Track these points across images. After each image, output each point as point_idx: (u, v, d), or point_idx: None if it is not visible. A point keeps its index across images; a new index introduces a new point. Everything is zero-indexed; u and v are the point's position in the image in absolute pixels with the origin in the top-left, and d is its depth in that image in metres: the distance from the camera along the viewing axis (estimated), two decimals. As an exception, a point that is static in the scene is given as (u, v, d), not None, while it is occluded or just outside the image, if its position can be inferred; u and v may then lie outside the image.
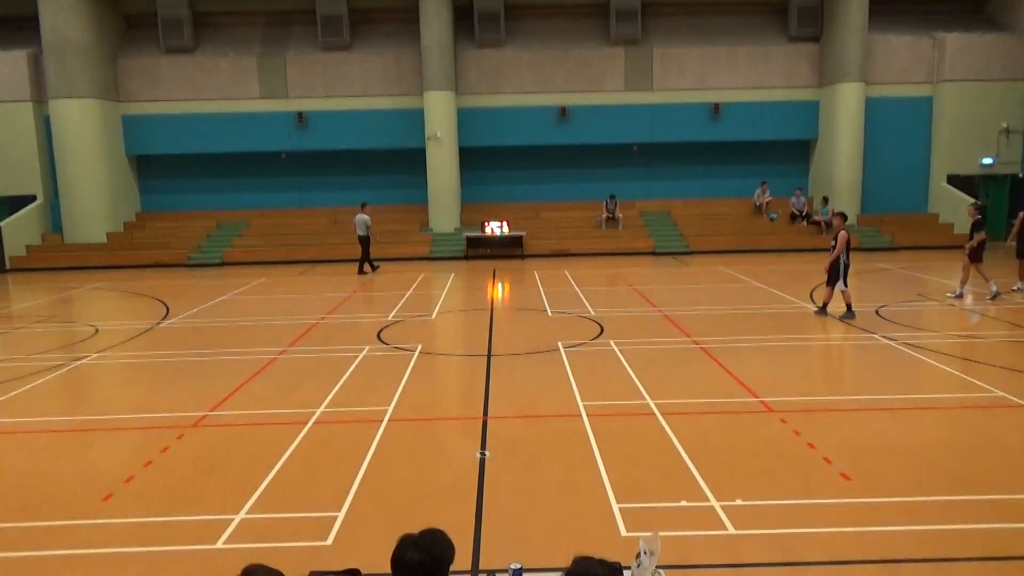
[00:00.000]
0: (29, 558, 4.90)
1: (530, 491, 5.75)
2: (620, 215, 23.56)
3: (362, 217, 19.18)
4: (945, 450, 6.48)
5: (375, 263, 19.67)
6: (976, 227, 13.71)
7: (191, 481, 6.09)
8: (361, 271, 19.34)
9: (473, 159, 24.29)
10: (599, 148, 24.48)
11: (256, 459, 6.48)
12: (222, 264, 22.18)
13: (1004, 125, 22.90)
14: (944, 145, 23.48)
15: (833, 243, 12.12)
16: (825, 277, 12.38)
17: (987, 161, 23.19)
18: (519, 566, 3.09)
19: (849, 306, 12.00)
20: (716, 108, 23.69)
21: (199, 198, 24.97)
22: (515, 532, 5.09)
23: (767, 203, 24.01)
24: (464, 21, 23.63)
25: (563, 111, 23.64)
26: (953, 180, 23.50)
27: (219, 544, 4.99)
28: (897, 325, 11.52)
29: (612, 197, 23.73)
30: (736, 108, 23.78)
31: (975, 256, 13.67)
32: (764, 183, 24.21)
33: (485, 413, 7.68)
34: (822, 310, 12.30)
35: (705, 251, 22.19)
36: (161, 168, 24.70)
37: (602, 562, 2.47)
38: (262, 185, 24.99)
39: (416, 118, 23.17)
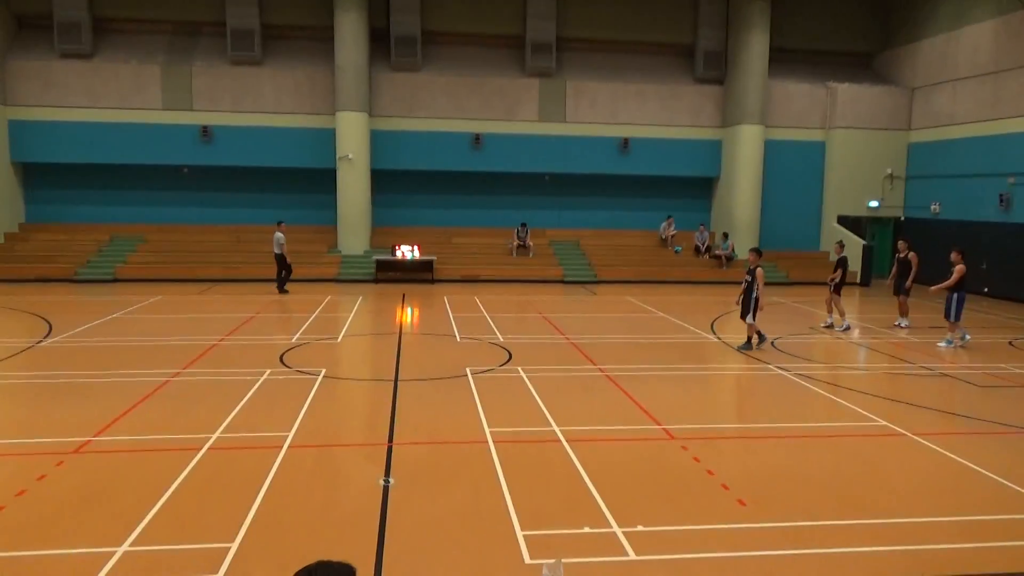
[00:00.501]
0: None
1: (435, 519, 5.65)
2: (531, 243, 23.84)
3: (278, 235, 18.85)
4: (833, 477, 6.80)
5: (285, 287, 19.10)
6: (840, 263, 14.97)
7: (70, 512, 5.67)
8: (282, 289, 18.83)
9: (385, 181, 24.09)
10: (512, 176, 24.77)
11: (143, 487, 6.11)
12: (114, 280, 21.02)
13: (888, 171, 24.63)
14: (835, 187, 25.00)
15: (748, 278, 12.48)
16: (738, 310, 12.78)
17: (873, 204, 24.82)
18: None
19: (749, 339, 12.49)
20: (625, 142, 24.43)
21: (91, 210, 23.64)
22: (419, 561, 4.98)
23: (672, 236, 24.85)
24: (380, 43, 23.55)
25: (477, 138, 23.82)
26: (843, 220, 25.00)
27: (97, 580, 4.65)
28: (790, 356, 12.08)
29: (523, 225, 24.00)
30: (644, 143, 24.59)
31: (837, 289, 14.81)
32: (670, 217, 25.08)
33: (390, 439, 7.53)
34: (747, 345, 12.55)
35: (613, 280, 22.70)
36: (50, 176, 23.28)
37: None
38: (161, 199, 23.92)
39: (327, 138, 22.81)
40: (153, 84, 22.66)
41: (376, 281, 21.77)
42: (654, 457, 7.20)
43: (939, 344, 13.15)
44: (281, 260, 18.96)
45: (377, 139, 23.27)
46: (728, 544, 5.35)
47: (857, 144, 24.64)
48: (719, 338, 13.83)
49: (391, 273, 21.93)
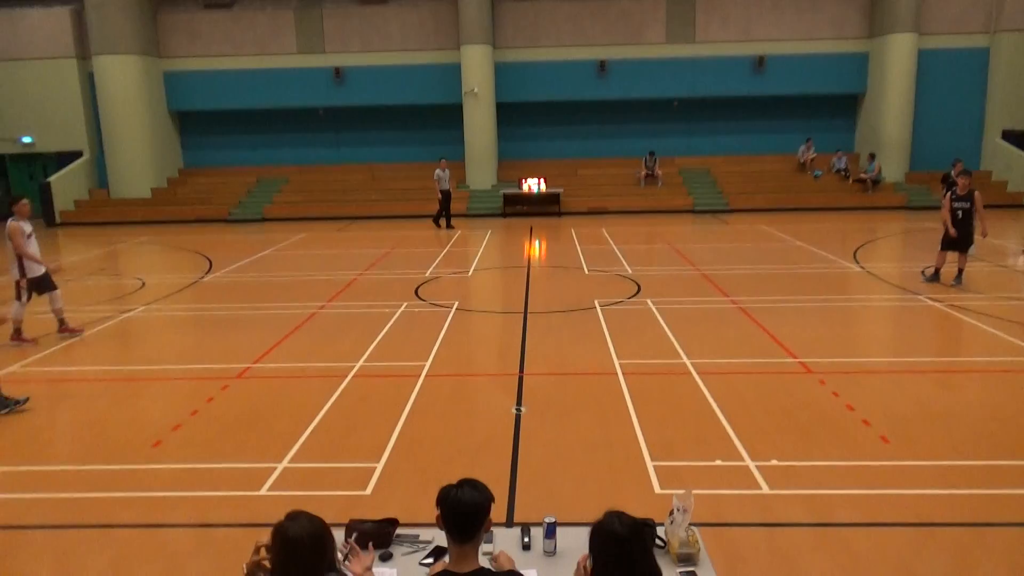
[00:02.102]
0: (84, 499, 5.13)
1: (565, 447, 5.81)
2: (659, 172, 23.20)
3: (443, 171, 19.12)
4: (986, 415, 6.36)
5: (444, 221, 19.46)
6: None
7: (235, 430, 6.28)
8: (450, 224, 19.36)
9: (510, 114, 24.03)
10: (638, 103, 24.02)
11: (297, 410, 6.65)
12: (262, 220, 22.48)
13: (1066, 77, 21.88)
14: (1000, 99, 22.51)
15: (966, 204, 11.11)
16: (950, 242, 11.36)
17: (1047, 116, 22.23)
18: (553, 519, 3.15)
19: (961, 271, 11.35)
20: (760, 61, 22.99)
21: (239, 154, 25.22)
22: (550, 487, 5.16)
23: (811, 160, 23.40)
24: (502, -28, 23.17)
25: (602, 65, 23.17)
26: (1009, 136, 22.59)
27: (263, 491, 5.16)
28: (943, 286, 11.24)
29: (651, 154, 23.35)
30: (781, 61, 23.04)
31: None
32: (809, 139, 23.57)
33: (521, 370, 7.74)
34: (959, 278, 11.32)
35: (745, 209, 21.80)
36: (202, 124, 24.95)
37: (621, 518, 2.49)
38: (301, 141, 25.12)
39: (453, 73, 22.95)
40: (287, 29, 23.53)
41: (504, 215, 22.02)
42: (789, 391, 7.00)
43: None
44: (447, 196, 19.12)
45: (501, 71, 23.15)
46: (869, 481, 5.17)
47: (1029, 48, 21.96)
48: (862, 267, 13.05)
49: (518, 207, 22.09)
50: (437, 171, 19.11)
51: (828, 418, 6.29)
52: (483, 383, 7.59)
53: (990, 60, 22.55)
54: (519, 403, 6.75)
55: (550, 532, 3.15)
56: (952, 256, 11.44)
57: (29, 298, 9.17)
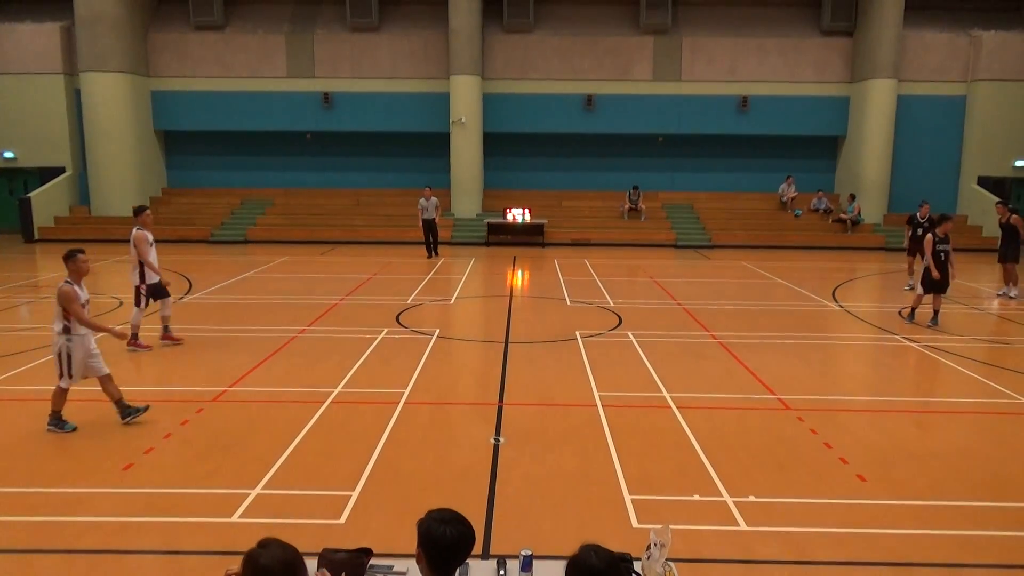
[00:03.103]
0: (50, 523, 5.00)
1: (543, 479, 5.77)
2: (643, 206, 23.43)
3: (435, 200, 19.14)
4: (964, 455, 6.41)
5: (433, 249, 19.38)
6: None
7: (209, 455, 6.17)
8: (432, 253, 19.24)
9: (497, 144, 24.24)
10: (624, 138, 24.33)
11: (273, 436, 6.55)
12: (245, 242, 22.37)
13: (1039, 126, 22.47)
14: (976, 145, 23.07)
15: (948, 247, 11.34)
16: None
17: (1021, 163, 22.75)
18: (530, 552, 3.11)
19: (936, 312, 11.56)
20: (744, 101, 23.41)
21: (224, 175, 25.17)
22: (527, 519, 5.12)
23: (792, 198, 23.75)
24: (493, 5, 23.52)
25: (589, 100, 23.49)
26: (984, 182, 23.09)
27: (235, 518, 5.06)
28: (920, 327, 11.38)
29: (635, 188, 23.60)
30: (765, 101, 23.49)
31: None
32: (790, 176, 23.95)
33: (501, 399, 7.71)
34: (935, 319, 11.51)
35: (727, 245, 22.02)
36: (188, 144, 24.91)
37: (597, 552, 2.47)
38: (287, 164, 25.14)
39: (442, 102, 23.14)
40: (278, 53, 23.67)
41: (488, 244, 22.08)
42: (768, 427, 7.02)
43: None
44: (427, 225, 18.99)
45: (489, 102, 23.39)
46: (847, 520, 5.17)
47: (1003, 97, 22.59)
48: (841, 306, 13.20)
49: (502, 236, 22.18)
50: (421, 200, 19.16)
51: (806, 455, 6.31)
52: (462, 412, 7.54)
53: (967, 108, 23.13)
54: (498, 433, 6.71)
55: (526, 565, 3.11)
56: (928, 297, 11.61)
57: (147, 304, 9.81)
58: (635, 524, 5.05)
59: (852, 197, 22.82)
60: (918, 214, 14.51)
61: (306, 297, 13.47)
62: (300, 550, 2.54)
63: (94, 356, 6.79)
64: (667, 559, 3.13)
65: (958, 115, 23.25)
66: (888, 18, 22.03)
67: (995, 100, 22.68)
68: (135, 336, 9.61)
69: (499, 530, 4.94)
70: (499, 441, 6.51)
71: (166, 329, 9.94)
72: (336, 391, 7.83)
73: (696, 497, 5.47)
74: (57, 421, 6.70)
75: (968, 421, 7.38)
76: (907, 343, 10.44)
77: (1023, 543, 4.90)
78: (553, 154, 24.84)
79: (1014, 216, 14.01)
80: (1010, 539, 4.95)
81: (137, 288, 9.69)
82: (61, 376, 6.69)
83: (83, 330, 6.70)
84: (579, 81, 23.62)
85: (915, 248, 14.20)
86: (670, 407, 7.45)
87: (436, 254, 19.24)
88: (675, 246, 22.26)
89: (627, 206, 23.50)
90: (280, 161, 25.11)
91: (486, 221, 22.50)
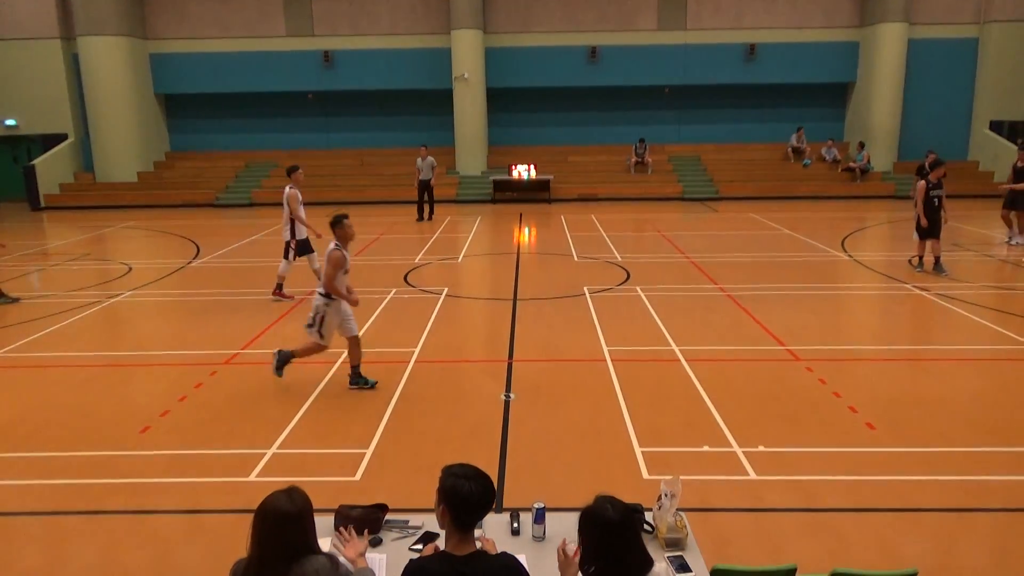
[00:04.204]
0: (72, 485, 5.12)
1: (554, 433, 5.84)
2: (649, 159, 23.20)
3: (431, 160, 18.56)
4: (972, 402, 6.44)
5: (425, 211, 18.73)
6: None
7: (224, 416, 6.26)
8: (426, 216, 18.58)
9: (501, 100, 23.93)
10: (629, 90, 23.96)
11: (287, 396, 6.64)
12: (251, 204, 22.33)
13: (1053, 68, 21.98)
14: (988, 90, 22.61)
15: (940, 192, 11.30)
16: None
17: (1035, 106, 22.35)
18: (542, 505, 3.16)
19: (938, 258, 11.56)
20: (752, 49, 22.96)
21: (227, 138, 25.00)
22: (539, 473, 5.19)
23: (803, 148, 23.44)
24: (494, -44, 23.00)
25: (593, 52, 23.09)
26: (996, 127, 22.70)
27: (252, 477, 5.16)
28: (931, 275, 11.32)
29: (642, 141, 23.33)
30: (772, 49, 23.02)
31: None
32: (800, 128, 23.61)
33: (510, 356, 7.76)
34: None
35: (735, 197, 21.84)
36: (189, 107, 24.70)
37: (613, 503, 2.51)
38: (290, 125, 24.93)
39: (443, 58, 22.80)
40: (276, 11, 23.28)
41: (494, 201, 21.98)
42: (777, 378, 7.05)
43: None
44: (423, 186, 18.35)
45: (492, 57, 23.03)
46: (855, 468, 5.22)
47: (1017, 40, 22.01)
48: (850, 256, 13.13)
49: (508, 193, 22.05)
50: (417, 160, 18.67)
51: (815, 405, 6.35)
52: (472, 370, 7.61)
53: (979, 51, 22.63)
54: (508, 390, 6.77)
55: (539, 517, 3.17)
56: (929, 245, 11.52)
57: (295, 257, 10.41)
58: (646, 476, 5.11)
59: (861, 145, 22.50)
60: (926, 163, 14.32)
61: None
62: (317, 506, 2.59)
63: (347, 319, 6.83)
64: (678, 509, 3.19)
65: (970, 58, 22.74)
66: (899, -41, 21.44)
67: (1009, 42, 22.13)
68: (280, 287, 10.39)
69: (512, 484, 5.02)
70: (509, 397, 6.57)
71: (279, 287, 10.46)
72: (347, 351, 7.88)
73: (706, 448, 5.53)
74: (358, 378, 6.86)
75: (976, 368, 7.39)
76: (917, 291, 10.41)
77: (1031, 487, 4.95)
78: (558, 109, 24.52)
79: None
80: (1017, 483, 5.00)
81: (288, 243, 10.35)
82: (311, 326, 6.75)
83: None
84: (582, 33, 23.18)
85: None
86: (679, 360, 7.48)
87: (431, 217, 18.67)
88: (682, 199, 22.10)
89: (634, 160, 23.27)
90: (282, 123, 24.89)
91: (491, 178, 22.34)
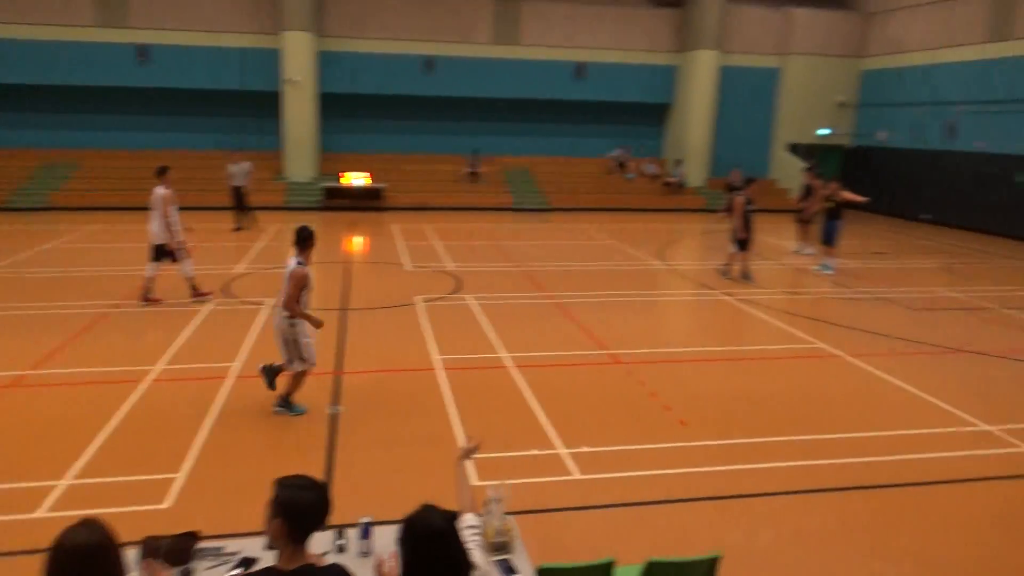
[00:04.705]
0: None
1: (383, 445, 5.72)
2: (483, 170, 23.56)
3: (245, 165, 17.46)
4: (771, 396, 7.05)
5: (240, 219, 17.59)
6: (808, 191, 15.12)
7: (6, 447, 5.57)
8: (241, 225, 17.38)
9: (334, 106, 23.32)
10: (465, 101, 24.22)
11: (84, 421, 6.01)
12: (49, 208, 20.16)
13: (840, 98, 24.78)
14: (787, 115, 25.09)
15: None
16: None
17: (823, 132, 25.05)
18: (369, 519, 3.08)
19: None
20: (581, 67, 24.01)
21: (20, 134, 22.43)
22: (367, 486, 5.06)
23: (627, 164, 24.79)
24: (325, -42, 22.43)
25: (429, 62, 23.14)
26: (793, 148, 25.24)
27: (40, 513, 4.61)
28: (735, 282, 12.32)
29: (475, 152, 23.65)
30: (600, 68, 24.20)
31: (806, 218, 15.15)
32: (625, 144, 24.97)
33: (339, 368, 7.53)
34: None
35: (565, 208, 22.67)
36: (-27, 99, 21.94)
37: (434, 511, 2.45)
38: (96, 123, 22.80)
39: (272, 59, 21.88)
40: (82, -2, 21.27)
41: (324, 209, 21.34)
42: (600, 382, 7.36)
43: (815, 268, 13.46)
44: (236, 193, 17.34)
45: (325, 61, 22.41)
46: (669, 462, 5.54)
47: (810, 71, 24.62)
48: (667, 264, 14.02)
49: (339, 200, 21.50)
50: (229, 165, 17.52)
51: (634, 405, 6.68)
52: (298, 383, 7.29)
53: (780, 80, 25.06)
54: (336, 402, 6.55)
55: (365, 533, 3.08)
56: (739, 255, 12.58)
57: (157, 260, 10.00)
58: (475, 482, 5.12)
59: (678, 162, 24.19)
60: (731, 179, 15.72)
61: (121, 268, 12.39)
62: (121, 539, 2.34)
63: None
64: (505, 512, 3.21)
65: (773, 86, 25.15)
66: (711, -9, 23.35)
67: (805, 73, 24.72)
68: (195, 288, 10.15)
69: (339, 500, 4.82)
70: (337, 410, 6.37)
71: (194, 288, 10.16)
72: (157, 369, 7.30)
73: (534, 452, 5.65)
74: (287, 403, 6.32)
75: (774, 366, 8.12)
76: (724, 297, 11.28)
77: (819, 470, 5.49)
78: (393, 117, 24.29)
79: (816, 181, 15.43)
80: (814, 467, 5.52)
81: (158, 247, 9.92)
82: (291, 361, 6.17)
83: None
84: (419, 41, 23.15)
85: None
86: (508, 367, 7.61)
87: (249, 226, 17.52)
88: (514, 209, 22.62)
89: (467, 170, 23.54)
90: (89, 120, 22.72)
91: (322, 185, 21.70)
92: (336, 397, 6.70)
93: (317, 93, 22.26)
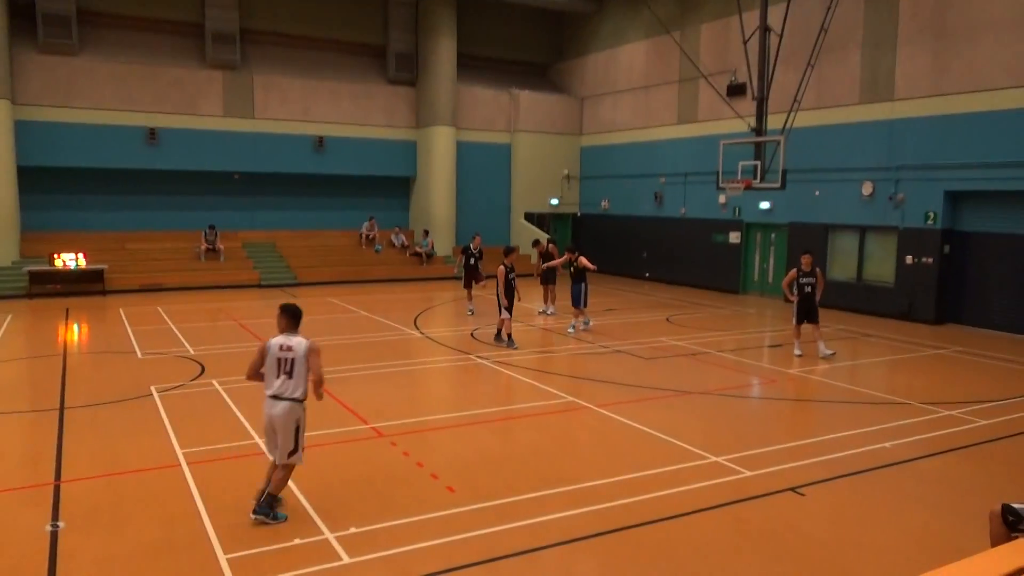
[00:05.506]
0: None
1: (118, 560, 4.98)
2: (221, 246, 22.22)
3: None
4: (531, 452, 7.31)
5: None
6: (546, 257, 16.40)
7: None
8: None
9: (38, 180, 20.70)
10: (196, 175, 22.84)
11: None
12: None
13: (565, 172, 27.24)
14: (521, 186, 27.01)
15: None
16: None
17: (554, 201, 27.28)
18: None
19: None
20: (320, 141, 23.88)
21: None
22: (98, 612, 4.33)
23: (374, 236, 24.87)
24: (24, 21, 20.16)
25: (152, 133, 21.56)
26: (529, 217, 27.12)
27: None
28: (488, 345, 12.76)
29: (212, 227, 22.27)
30: (340, 142, 24.25)
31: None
32: (372, 217, 25.09)
33: (57, 477, 6.48)
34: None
35: (314, 282, 22.07)
36: None
37: None
38: None
39: (-44, 127, 18.94)
40: None
41: (30, 296, 18.64)
42: (364, 457, 7.13)
43: (568, 330, 14.40)
44: None
45: (25, 131, 19.91)
46: (441, 531, 5.46)
47: (538, 147, 26.86)
48: (422, 333, 14.15)
49: (50, 286, 18.92)
50: None
51: (401, 477, 6.54)
52: (7, 500, 6.14)
53: (512, 154, 26.97)
54: (56, 518, 5.61)
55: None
56: (505, 321, 13.09)
57: None
58: (232, 586, 4.63)
59: (426, 232, 24.81)
60: (471, 245, 16.70)
61: None
62: None
63: None
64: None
65: (506, 160, 26.97)
66: (443, 73, 24.63)
67: (532, 148, 26.88)
68: None
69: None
70: (57, 527, 5.44)
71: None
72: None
73: (296, 541, 5.26)
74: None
75: (533, 423, 8.46)
76: (480, 361, 11.61)
77: (581, 519, 5.74)
78: (112, 191, 22.11)
79: (551, 245, 16.70)
80: (575, 516, 5.76)
81: None
82: (295, 451, 5.64)
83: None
84: (139, 112, 21.47)
85: (470, 277, 16.97)
86: (263, 454, 7.08)
87: None
88: (260, 286, 21.56)
89: (204, 247, 22.04)
90: None
91: (26, 269, 18.97)
92: (56, 511, 5.73)
93: (14, 166, 19.62)
